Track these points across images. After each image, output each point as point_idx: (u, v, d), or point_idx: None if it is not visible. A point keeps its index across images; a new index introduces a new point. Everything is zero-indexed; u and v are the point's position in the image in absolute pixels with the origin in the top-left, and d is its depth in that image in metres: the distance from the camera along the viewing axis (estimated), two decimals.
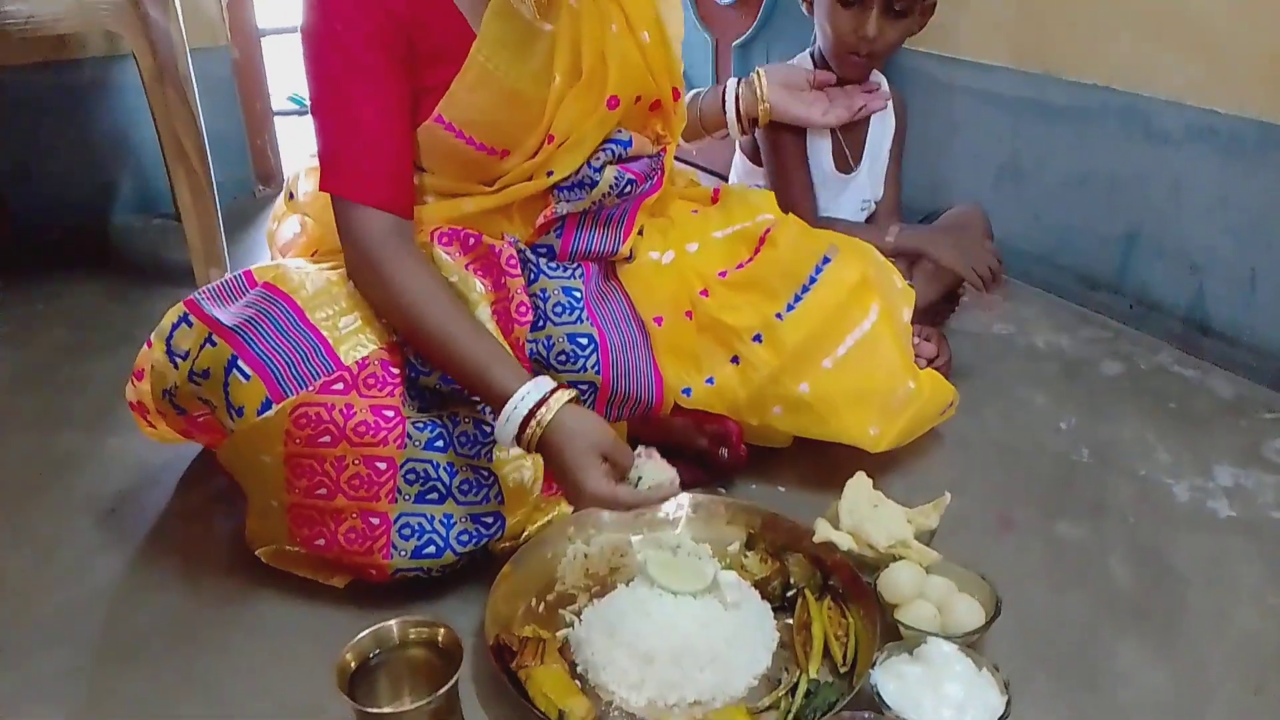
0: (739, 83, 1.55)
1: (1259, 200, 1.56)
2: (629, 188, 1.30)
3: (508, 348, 1.15)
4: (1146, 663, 1.05)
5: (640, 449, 1.08)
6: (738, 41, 2.45)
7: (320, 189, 1.12)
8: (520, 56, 1.18)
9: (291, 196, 1.39)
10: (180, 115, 1.94)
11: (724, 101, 1.55)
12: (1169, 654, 1.06)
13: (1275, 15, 1.49)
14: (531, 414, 1.02)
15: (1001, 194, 2.00)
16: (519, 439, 1.04)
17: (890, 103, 1.68)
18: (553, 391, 1.04)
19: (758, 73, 1.54)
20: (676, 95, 1.34)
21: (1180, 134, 1.65)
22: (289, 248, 1.41)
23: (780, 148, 1.61)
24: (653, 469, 1.06)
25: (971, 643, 1.02)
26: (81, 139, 2.36)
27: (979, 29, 1.97)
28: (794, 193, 1.61)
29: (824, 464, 1.36)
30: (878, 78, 1.68)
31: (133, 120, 2.36)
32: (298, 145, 2.92)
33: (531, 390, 1.04)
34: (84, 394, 1.64)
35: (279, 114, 3.07)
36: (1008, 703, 0.93)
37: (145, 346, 1.21)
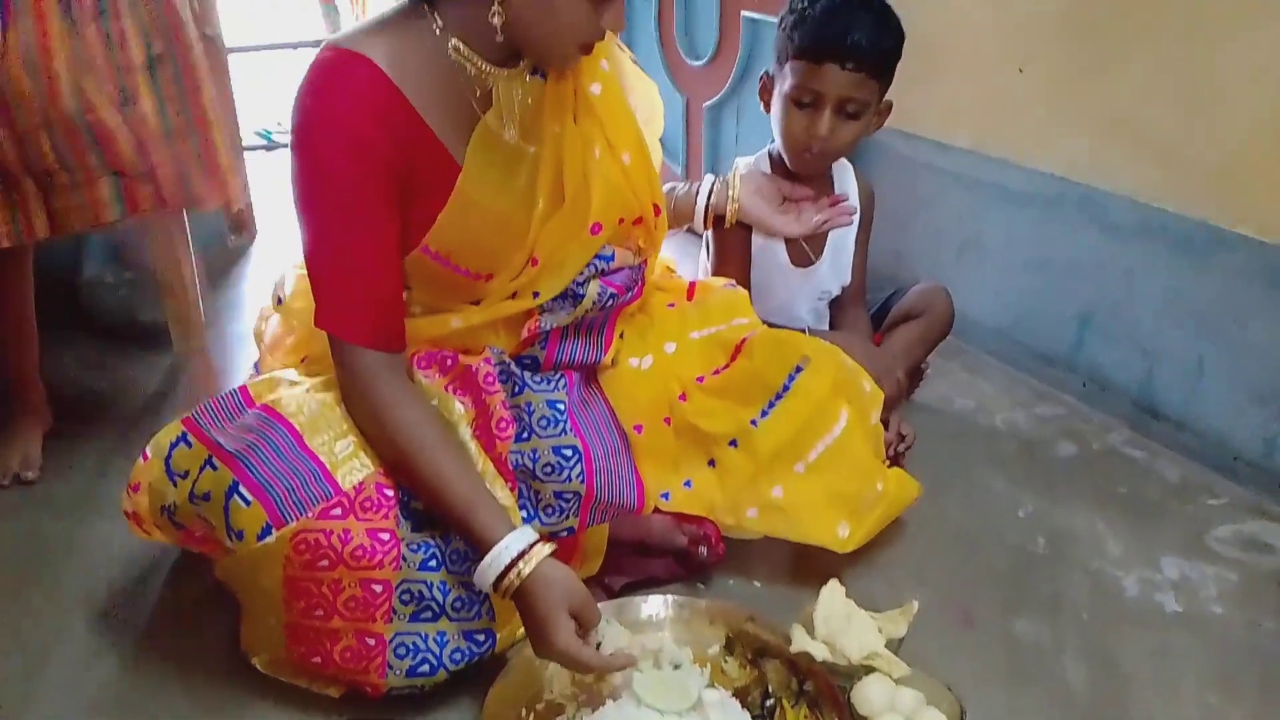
0: (715, 180, 1.61)
1: (1207, 296, 1.65)
2: (610, 301, 1.36)
3: (486, 471, 1.21)
4: None
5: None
6: (709, 102, 2.51)
7: (316, 325, 1.16)
8: (504, 182, 1.22)
9: (279, 301, 1.42)
10: None
11: (696, 195, 1.61)
12: None
13: (1221, 130, 1.58)
14: (512, 564, 1.08)
15: (963, 268, 2.08)
16: (496, 586, 1.10)
17: (858, 193, 1.75)
18: (533, 545, 1.10)
19: (734, 174, 1.59)
20: (658, 211, 1.39)
21: (1133, 228, 1.74)
22: (276, 347, 1.45)
23: (725, 234, 1.67)
24: (614, 635, 1.13)
25: None
26: None
27: (941, 111, 2.05)
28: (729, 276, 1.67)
29: (797, 558, 1.43)
30: (845, 173, 1.74)
31: None
32: (267, 183, 2.94)
33: (513, 541, 1.10)
34: (66, 477, 1.65)
35: (247, 149, 3.08)
36: None
37: (141, 459, 1.23)
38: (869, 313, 1.85)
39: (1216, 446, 1.69)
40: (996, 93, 1.93)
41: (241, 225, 2.70)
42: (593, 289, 1.33)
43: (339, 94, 1.10)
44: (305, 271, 1.20)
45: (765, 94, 1.65)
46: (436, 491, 1.14)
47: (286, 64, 4.76)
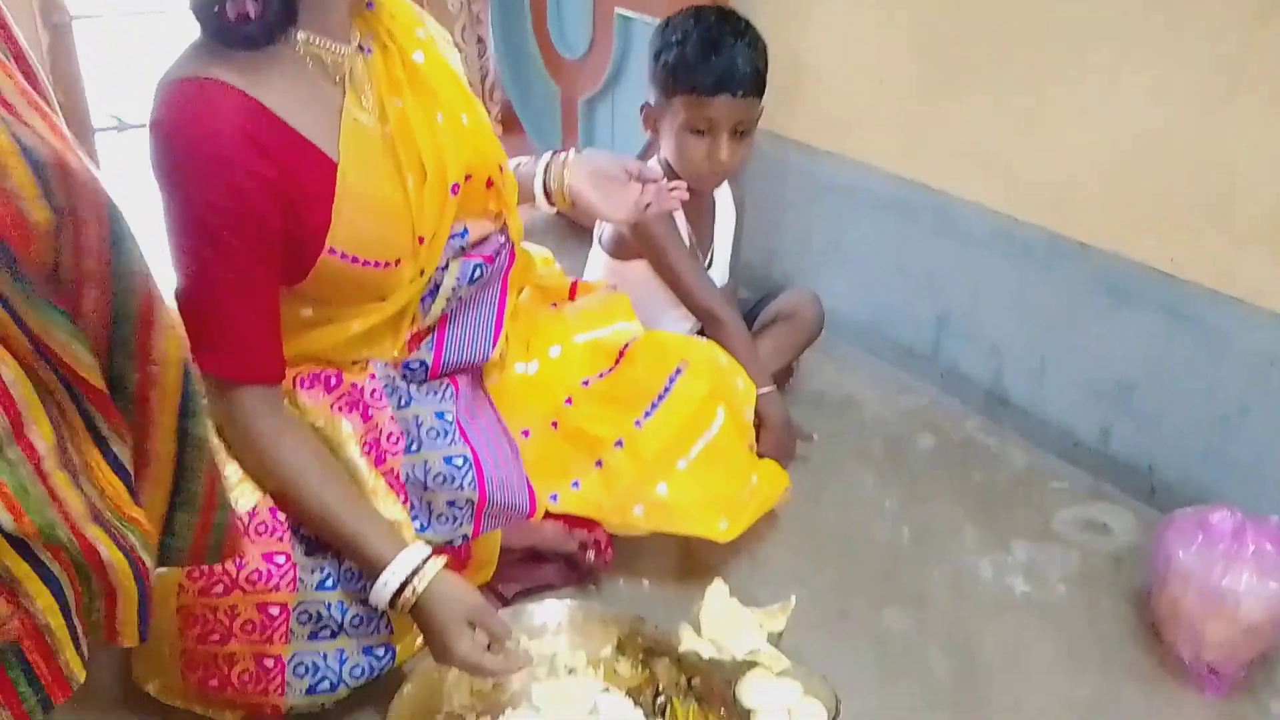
0: (550, 158, 1.50)
1: (1049, 300, 1.79)
2: (479, 273, 1.34)
3: (378, 487, 1.22)
4: None
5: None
6: (585, 97, 2.53)
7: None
8: (377, 166, 1.20)
9: None
10: None
11: (533, 175, 1.50)
12: None
13: (1057, 152, 1.72)
14: (406, 583, 1.12)
15: (829, 268, 2.18)
16: (393, 604, 1.13)
17: (732, 200, 1.84)
18: (425, 560, 1.14)
19: (569, 156, 1.49)
20: (502, 168, 1.38)
21: (983, 235, 1.87)
22: None
23: (653, 237, 1.69)
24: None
25: None
26: None
27: (807, 117, 2.13)
28: (683, 273, 1.70)
29: (681, 555, 1.51)
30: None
31: None
32: (120, 168, 2.81)
33: (405, 559, 1.13)
34: None
35: (100, 130, 2.94)
36: None
37: None
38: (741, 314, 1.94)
39: (1059, 434, 1.84)
40: (858, 103, 2.03)
41: None
42: (453, 269, 1.32)
43: (207, 129, 1.05)
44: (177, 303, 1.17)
45: (650, 123, 1.71)
46: (324, 522, 1.15)
47: (139, 31, 4.53)
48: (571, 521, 1.44)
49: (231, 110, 1.07)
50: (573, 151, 1.48)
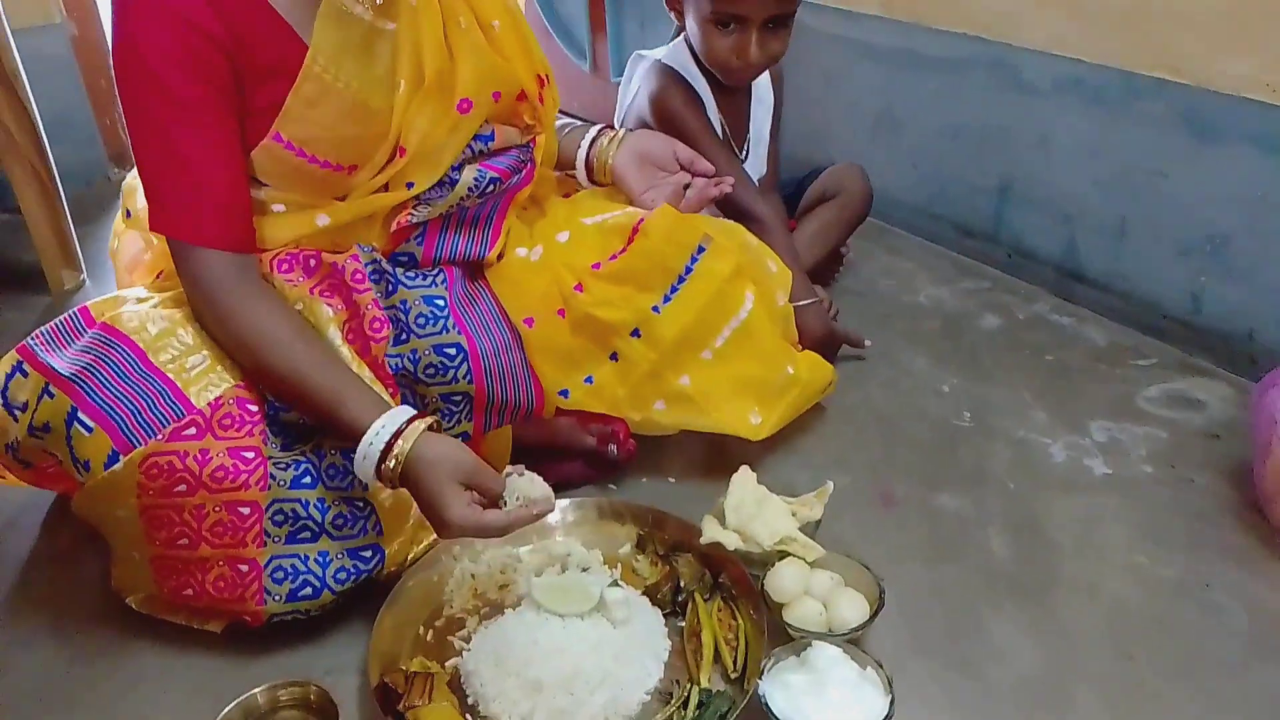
0: (599, 131, 1.42)
1: (1125, 150, 1.58)
2: (491, 186, 1.24)
3: (363, 376, 1.10)
4: (1020, 640, 1.08)
5: (509, 468, 1.06)
6: None
7: (150, 229, 1.05)
8: (362, 63, 1.10)
9: (129, 214, 1.29)
10: (13, 113, 1.81)
11: (578, 145, 1.42)
12: (1041, 629, 1.09)
13: None
14: (389, 448, 0.99)
15: (878, 144, 1.99)
16: (379, 475, 1.01)
17: (769, 80, 1.66)
18: (409, 421, 1.01)
19: (620, 134, 1.41)
20: (543, 82, 1.28)
21: (1048, 85, 1.66)
22: (135, 266, 1.33)
23: (681, 130, 1.52)
24: (525, 486, 1.04)
25: (855, 638, 1.04)
26: None
27: None
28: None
29: (711, 451, 1.36)
30: None
31: None
32: None
33: (387, 423, 1.00)
34: None
35: None
36: (890, 703, 0.94)
37: None
38: (783, 195, 1.77)
39: (1143, 307, 1.64)
40: None
41: (123, 156, 2.53)
42: (468, 174, 1.22)
43: None
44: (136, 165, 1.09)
45: (673, 4, 1.54)
46: (298, 388, 1.04)
47: None
48: (588, 416, 1.31)
49: None
50: (624, 130, 1.40)
